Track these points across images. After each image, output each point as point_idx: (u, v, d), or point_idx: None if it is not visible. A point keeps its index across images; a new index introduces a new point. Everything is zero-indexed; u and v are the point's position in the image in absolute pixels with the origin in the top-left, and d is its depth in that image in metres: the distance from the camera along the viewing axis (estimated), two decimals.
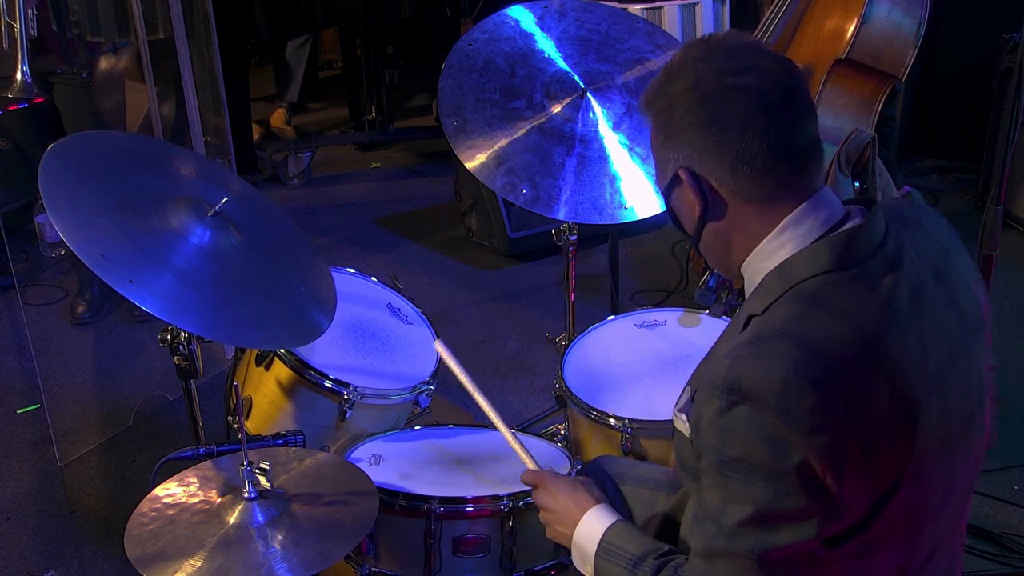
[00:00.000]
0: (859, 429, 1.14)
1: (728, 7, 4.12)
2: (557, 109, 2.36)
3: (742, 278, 1.34)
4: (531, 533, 1.81)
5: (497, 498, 1.81)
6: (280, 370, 2.08)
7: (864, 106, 3.16)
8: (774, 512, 1.15)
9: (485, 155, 2.28)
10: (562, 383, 2.20)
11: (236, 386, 2.16)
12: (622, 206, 2.30)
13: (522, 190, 2.26)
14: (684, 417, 1.29)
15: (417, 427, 2.20)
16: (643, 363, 2.27)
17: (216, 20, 3.47)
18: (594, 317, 2.43)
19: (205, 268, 1.79)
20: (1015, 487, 2.70)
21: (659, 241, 4.29)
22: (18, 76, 3.11)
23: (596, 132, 2.35)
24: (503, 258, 4.22)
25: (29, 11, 3.07)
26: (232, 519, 1.56)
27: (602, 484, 1.74)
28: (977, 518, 2.55)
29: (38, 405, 3.20)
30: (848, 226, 1.26)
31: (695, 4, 3.96)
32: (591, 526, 1.46)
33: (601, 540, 1.43)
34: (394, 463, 1.99)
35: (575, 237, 2.49)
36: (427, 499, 1.80)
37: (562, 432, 2.37)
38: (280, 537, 1.54)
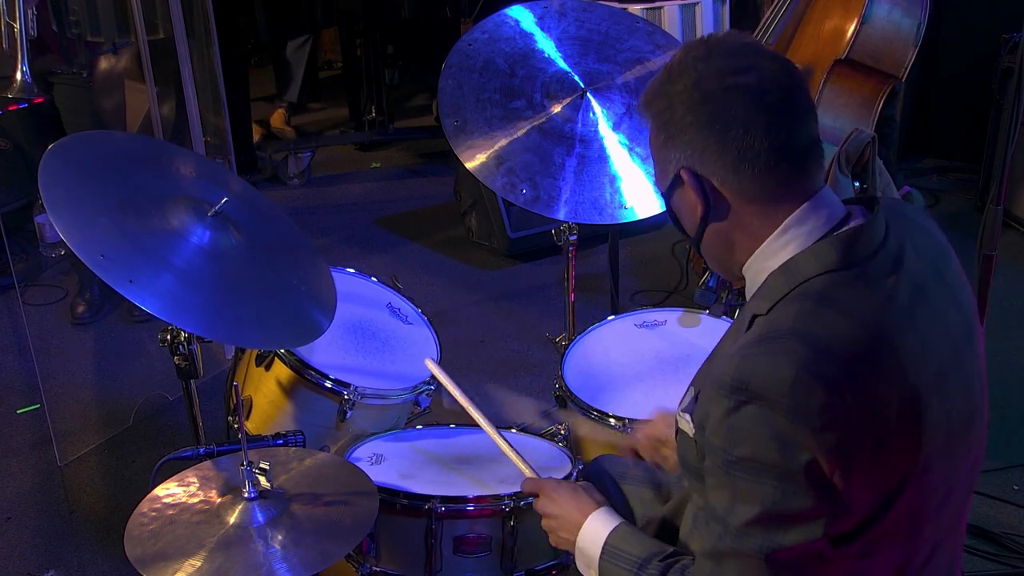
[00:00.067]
0: (868, 427, 1.14)
1: (728, 7, 4.12)
2: (557, 109, 2.36)
3: (742, 279, 1.34)
4: (532, 533, 1.81)
5: (498, 498, 1.81)
6: (280, 370, 2.08)
7: (864, 106, 3.16)
8: (782, 512, 1.15)
9: (485, 155, 2.29)
10: (562, 383, 2.20)
11: (236, 386, 2.16)
12: (622, 206, 2.30)
13: (522, 190, 2.26)
14: (688, 417, 1.28)
15: (417, 427, 2.20)
16: (643, 363, 2.27)
17: (216, 20, 3.47)
18: (594, 317, 2.43)
19: (205, 268, 1.79)
20: (1015, 487, 2.70)
21: (659, 241, 4.29)
22: (18, 76, 3.12)
23: (596, 132, 2.35)
24: (503, 258, 4.22)
25: (29, 11, 3.07)
26: (232, 519, 1.56)
27: (603, 483, 1.74)
28: (977, 518, 2.55)
29: (38, 405, 3.20)
30: (850, 225, 1.26)
31: (695, 4, 3.95)
32: (594, 530, 1.46)
33: (605, 544, 1.43)
34: (395, 463, 1.99)
35: (575, 237, 2.49)
36: (428, 499, 1.80)
37: (562, 432, 2.37)
38: (280, 537, 1.54)
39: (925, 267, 1.29)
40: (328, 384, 2.05)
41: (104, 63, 3.41)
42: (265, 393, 2.12)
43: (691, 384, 1.36)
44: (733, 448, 1.16)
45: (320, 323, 1.91)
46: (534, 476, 1.65)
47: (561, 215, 2.27)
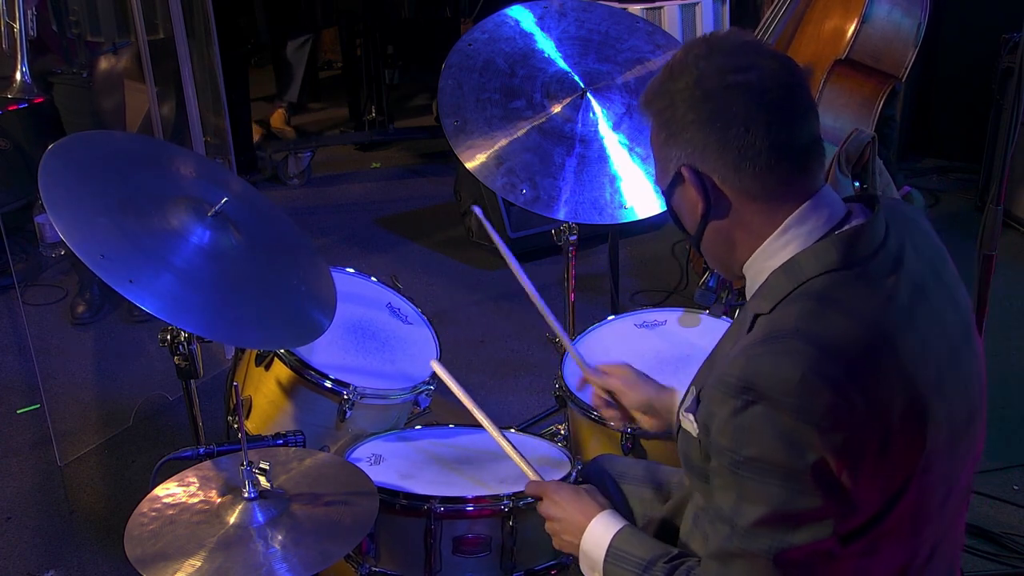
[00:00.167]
0: (875, 426, 1.14)
1: (728, 7, 4.12)
2: (557, 109, 2.36)
3: (743, 278, 1.34)
4: (531, 533, 1.81)
5: (497, 498, 1.81)
6: (280, 370, 2.08)
7: (864, 106, 3.16)
8: (790, 512, 1.15)
9: (485, 155, 2.29)
10: (562, 383, 2.19)
11: (236, 386, 2.16)
12: (622, 206, 2.30)
13: (522, 190, 2.26)
14: (691, 417, 1.28)
15: (417, 427, 2.20)
16: (643, 363, 2.25)
17: (216, 20, 3.47)
18: (594, 317, 2.43)
19: (205, 268, 1.79)
20: (1015, 487, 2.70)
21: (659, 241, 4.29)
22: (18, 76, 3.12)
23: (596, 132, 2.35)
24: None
25: (29, 11, 3.07)
26: (232, 519, 1.56)
27: (603, 483, 1.74)
28: (977, 518, 2.55)
29: (38, 405, 3.20)
30: (851, 225, 1.26)
31: (695, 4, 3.95)
32: (598, 533, 1.46)
33: (609, 547, 1.43)
34: (394, 463, 1.99)
35: (575, 237, 2.49)
36: (427, 499, 1.80)
37: (562, 432, 2.36)
38: (280, 537, 1.54)
39: (924, 267, 1.29)
40: (328, 384, 2.05)
41: (104, 63, 3.42)
42: (265, 393, 2.12)
43: (691, 384, 1.36)
44: (740, 448, 1.16)
45: (320, 323, 1.91)
46: (538, 479, 1.65)
47: (561, 215, 2.27)
